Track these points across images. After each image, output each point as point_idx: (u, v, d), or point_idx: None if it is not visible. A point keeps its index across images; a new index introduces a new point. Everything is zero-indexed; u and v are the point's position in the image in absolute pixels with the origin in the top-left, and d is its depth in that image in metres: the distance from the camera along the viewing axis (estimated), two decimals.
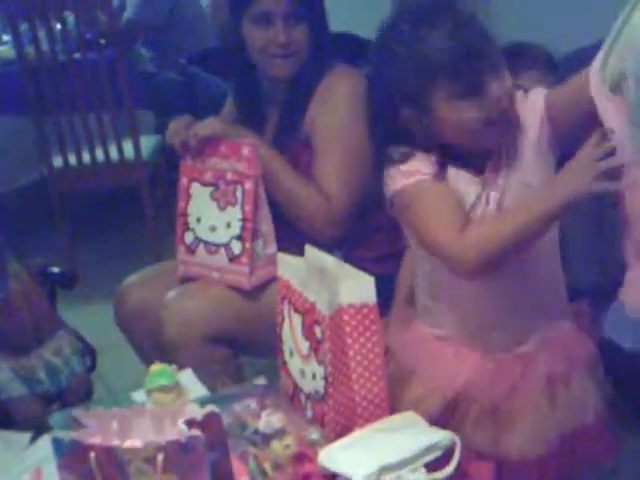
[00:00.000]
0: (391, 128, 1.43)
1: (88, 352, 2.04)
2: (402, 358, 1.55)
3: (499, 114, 1.38)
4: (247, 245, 1.84)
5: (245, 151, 1.83)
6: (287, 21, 1.88)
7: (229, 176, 1.86)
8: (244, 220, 1.84)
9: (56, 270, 2.17)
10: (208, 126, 1.88)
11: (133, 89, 3.39)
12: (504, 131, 1.40)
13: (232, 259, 1.87)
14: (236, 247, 1.86)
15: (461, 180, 1.44)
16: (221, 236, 1.88)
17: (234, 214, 1.86)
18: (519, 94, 1.42)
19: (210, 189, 1.90)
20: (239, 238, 1.85)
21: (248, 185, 1.83)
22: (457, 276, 1.43)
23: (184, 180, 1.95)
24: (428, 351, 1.55)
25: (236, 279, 1.86)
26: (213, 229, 1.89)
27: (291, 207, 1.87)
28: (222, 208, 1.88)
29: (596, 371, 1.49)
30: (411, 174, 1.43)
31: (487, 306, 1.49)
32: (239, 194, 1.85)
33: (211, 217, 1.90)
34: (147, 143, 3.52)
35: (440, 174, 1.43)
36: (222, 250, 1.88)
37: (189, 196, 1.94)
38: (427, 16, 1.39)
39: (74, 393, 1.93)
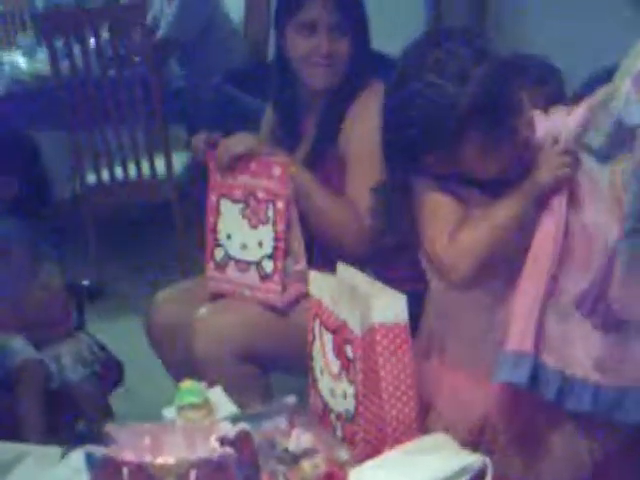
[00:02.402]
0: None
1: (112, 368, 2.07)
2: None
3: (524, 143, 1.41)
4: (279, 264, 1.84)
5: (276, 170, 1.83)
6: (331, 31, 1.89)
7: (260, 194, 1.86)
8: (276, 240, 1.84)
9: (84, 283, 2.20)
10: (241, 143, 1.88)
11: (165, 106, 3.41)
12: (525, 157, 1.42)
13: (263, 277, 1.86)
14: (268, 266, 1.86)
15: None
16: (252, 254, 1.88)
17: (266, 233, 1.86)
18: (539, 114, 1.43)
19: (240, 206, 1.90)
20: (271, 257, 1.85)
21: (280, 204, 1.83)
22: (453, 286, 1.45)
23: (213, 196, 1.94)
24: (444, 385, 1.54)
25: (268, 297, 1.86)
26: (244, 247, 1.89)
27: (323, 225, 1.87)
28: (253, 226, 1.88)
29: None
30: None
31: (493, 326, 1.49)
32: (270, 213, 1.85)
33: (242, 235, 1.90)
34: (179, 159, 3.55)
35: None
36: (253, 268, 1.88)
37: (219, 212, 1.93)
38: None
39: (69, 402, 1.96)
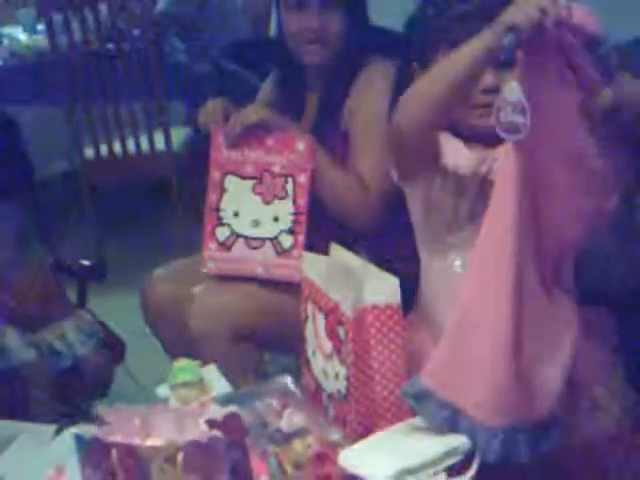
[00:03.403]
0: None
1: (114, 344, 2.07)
2: None
3: None
4: (300, 239, 1.82)
5: (300, 145, 1.81)
6: (323, 7, 1.87)
7: (277, 169, 1.84)
8: (297, 214, 1.82)
9: (86, 263, 2.19)
10: (254, 114, 1.85)
11: (165, 80, 3.40)
12: None
13: (280, 253, 1.85)
14: (286, 241, 1.84)
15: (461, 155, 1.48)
16: (267, 230, 1.86)
17: (284, 207, 1.84)
18: None
19: (251, 182, 1.87)
20: (290, 232, 1.83)
21: (302, 178, 1.81)
22: (403, 135, 1.45)
23: (216, 173, 1.91)
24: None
25: (286, 272, 1.83)
26: (256, 223, 1.87)
27: (331, 198, 1.85)
28: (268, 202, 1.85)
29: (613, 379, 1.47)
30: None
31: None
32: (290, 187, 1.83)
33: (254, 211, 1.87)
34: (178, 134, 3.54)
35: None
36: (268, 244, 1.86)
37: (223, 190, 1.90)
38: None
39: (80, 379, 1.96)
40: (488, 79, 1.44)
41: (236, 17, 4.13)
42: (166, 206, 3.44)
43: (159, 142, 3.40)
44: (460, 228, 1.50)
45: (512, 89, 1.25)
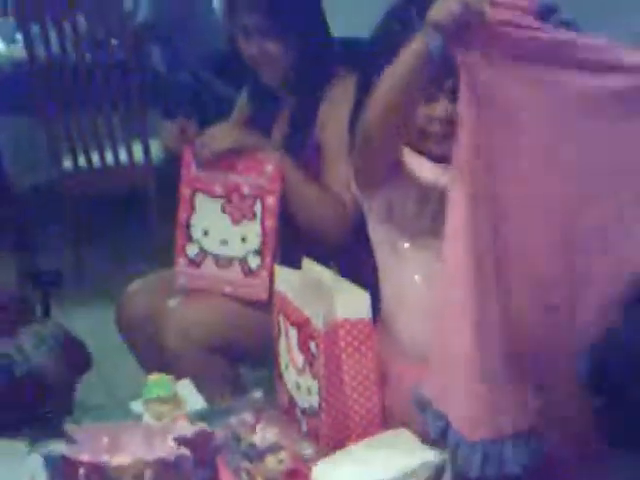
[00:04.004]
0: None
1: (78, 354, 2.05)
2: None
3: None
4: (267, 260, 1.82)
5: (269, 167, 1.81)
6: (261, 34, 1.88)
7: (245, 190, 1.84)
8: (264, 235, 1.82)
9: (44, 269, 2.19)
10: (225, 138, 1.85)
11: (144, 91, 3.38)
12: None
13: (247, 273, 1.84)
14: (253, 261, 1.84)
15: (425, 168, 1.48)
16: (235, 250, 1.86)
17: (252, 228, 1.84)
18: None
19: (220, 201, 1.87)
20: (257, 253, 1.83)
21: (270, 200, 1.81)
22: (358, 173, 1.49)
23: (187, 190, 1.91)
24: (390, 374, 1.51)
25: (252, 292, 1.84)
26: (224, 242, 1.87)
27: (306, 215, 1.85)
28: (236, 222, 1.85)
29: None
30: None
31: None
32: (258, 209, 1.83)
33: (222, 230, 1.87)
34: (157, 146, 3.52)
35: None
36: (236, 263, 1.86)
37: (192, 207, 1.90)
38: None
39: (37, 387, 1.94)
40: (441, 108, 1.44)
41: (215, 29, 4.13)
42: (144, 218, 3.43)
43: (137, 153, 3.38)
44: (420, 239, 1.50)
45: None
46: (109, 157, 3.39)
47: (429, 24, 1.21)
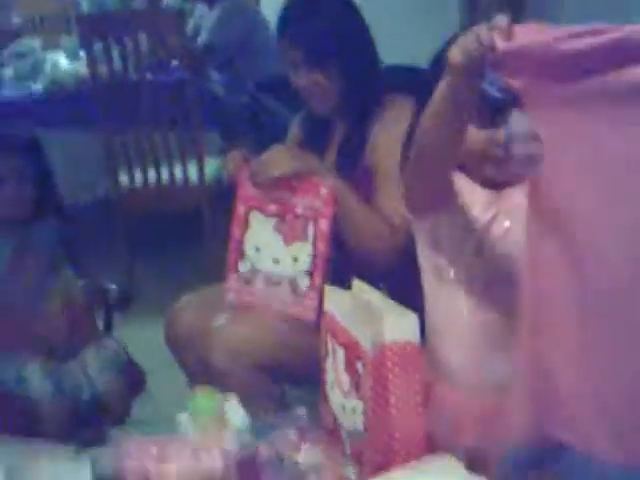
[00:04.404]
0: None
1: (135, 375, 2.08)
2: None
3: None
4: (317, 281, 1.82)
5: (323, 191, 1.82)
6: (308, 67, 1.92)
7: (299, 210, 1.85)
8: (315, 257, 1.83)
9: (113, 288, 2.21)
10: (281, 164, 1.86)
11: (201, 111, 3.43)
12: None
13: (297, 293, 1.85)
14: (303, 282, 1.84)
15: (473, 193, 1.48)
16: (286, 269, 1.87)
17: (303, 249, 1.84)
18: None
19: (274, 220, 1.88)
20: (307, 273, 1.84)
21: (323, 224, 1.82)
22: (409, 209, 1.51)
23: (241, 208, 1.93)
24: (432, 399, 1.49)
25: (301, 312, 1.84)
26: (276, 261, 1.88)
27: (357, 237, 1.86)
28: (288, 242, 1.87)
29: None
30: None
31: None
32: (310, 230, 1.83)
33: (274, 249, 1.88)
34: (212, 166, 3.57)
35: None
36: (286, 283, 1.87)
37: (247, 225, 1.92)
38: None
39: (98, 410, 1.97)
40: (500, 134, 1.43)
41: (274, 53, 4.18)
42: (198, 236, 3.46)
43: (192, 173, 3.43)
44: (466, 266, 1.50)
45: (516, 120, 1.22)
46: (165, 175, 3.44)
47: (449, 69, 1.22)
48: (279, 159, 1.88)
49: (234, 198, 1.96)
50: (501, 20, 1.16)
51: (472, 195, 1.50)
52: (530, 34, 1.15)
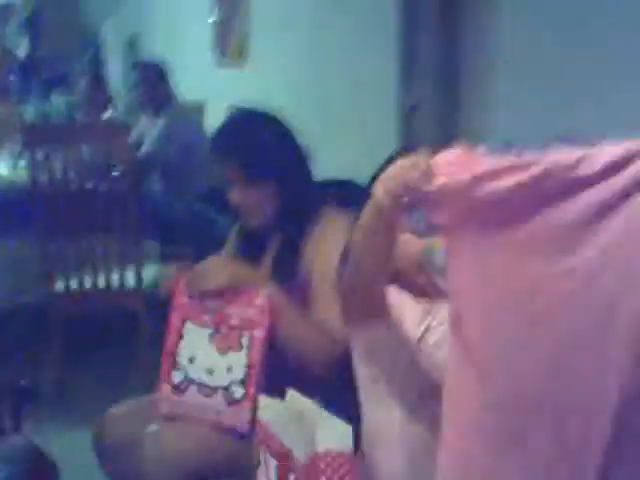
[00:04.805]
0: None
1: (46, 472, 2.02)
2: None
3: None
4: (251, 391, 1.82)
5: (258, 301, 1.84)
6: (240, 184, 1.97)
7: (234, 321, 1.86)
8: (250, 366, 1.83)
9: (21, 383, 2.18)
10: (218, 275, 1.87)
11: (141, 219, 3.45)
12: None
13: (231, 403, 1.84)
14: (237, 391, 1.83)
15: (406, 305, 1.52)
16: (220, 379, 1.86)
17: (238, 359, 1.84)
18: None
19: (209, 331, 1.88)
20: (241, 383, 1.83)
21: (258, 333, 1.83)
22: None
23: (176, 318, 1.92)
24: None
25: (235, 422, 1.82)
26: (210, 371, 1.87)
27: (294, 347, 1.87)
28: (223, 352, 1.86)
29: None
30: None
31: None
32: (245, 341, 1.84)
33: (208, 359, 1.87)
34: (150, 271, 3.57)
35: None
36: (220, 393, 1.85)
37: (180, 335, 1.92)
38: None
39: None
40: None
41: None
42: (133, 341, 3.43)
43: (130, 278, 3.42)
44: (400, 377, 1.51)
45: (438, 257, 1.27)
46: (101, 280, 3.42)
47: (373, 202, 1.27)
48: (214, 270, 1.89)
49: (169, 308, 1.95)
50: (424, 159, 1.21)
51: (406, 308, 1.53)
52: (453, 167, 1.19)
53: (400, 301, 1.53)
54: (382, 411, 1.55)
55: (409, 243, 1.48)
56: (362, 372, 1.59)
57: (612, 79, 2.48)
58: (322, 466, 1.38)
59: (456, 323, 1.25)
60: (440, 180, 1.19)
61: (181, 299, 1.93)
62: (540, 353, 1.21)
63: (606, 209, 1.18)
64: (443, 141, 3.20)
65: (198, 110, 4.94)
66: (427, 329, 1.51)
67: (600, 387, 1.20)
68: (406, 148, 1.64)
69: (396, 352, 1.52)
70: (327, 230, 1.93)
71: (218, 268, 1.90)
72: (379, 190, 1.26)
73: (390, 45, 3.44)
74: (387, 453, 1.53)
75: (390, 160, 1.60)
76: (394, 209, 1.25)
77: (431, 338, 1.50)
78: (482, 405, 1.23)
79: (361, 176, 1.83)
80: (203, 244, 3.06)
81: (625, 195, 1.18)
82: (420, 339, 1.50)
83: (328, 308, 1.83)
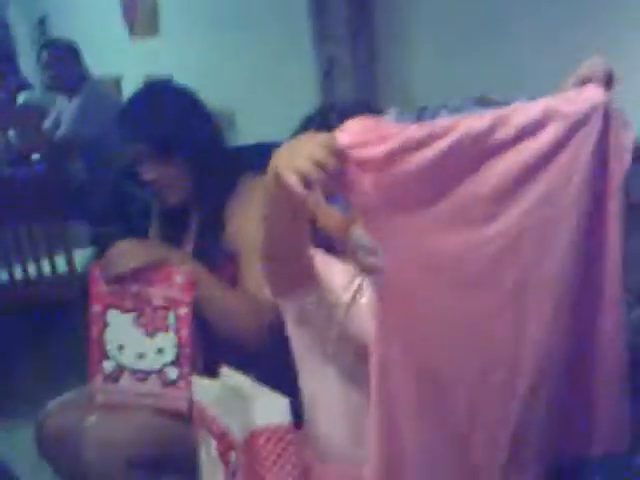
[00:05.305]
0: None
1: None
2: None
3: None
4: (185, 370, 1.80)
5: (179, 278, 1.81)
6: (151, 160, 1.92)
7: (157, 302, 1.83)
8: (180, 346, 1.81)
9: None
10: (132, 257, 1.83)
11: (66, 202, 3.38)
12: None
13: (167, 384, 1.82)
14: (172, 372, 1.82)
15: (334, 270, 1.49)
16: (151, 362, 1.84)
17: (167, 340, 1.82)
18: None
19: (132, 315, 1.86)
20: (174, 363, 1.82)
21: (183, 311, 1.81)
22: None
23: (97, 307, 1.88)
24: None
25: (173, 404, 1.81)
26: (141, 356, 1.85)
27: (223, 322, 1.85)
28: (151, 334, 1.84)
29: None
30: None
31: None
32: (171, 320, 1.82)
33: (137, 344, 1.85)
34: (82, 255, 3.51)
35: None
36: (154, 376, 1.84)
37: (105, 323, 1.88)
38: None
39: None
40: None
41: None
42: (69, 329, 3.37)
43: (61, 264, 3.35)
44: (334, 343, 1.51)
45: (358, 234, 1.24)
46: (32, 269, 3.35)
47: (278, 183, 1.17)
48: (126, 253, 1.84)
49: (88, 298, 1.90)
50: (330, 136, 1.14)
51: (335, 272, 1.52)
52: (363, 139, 1.13)
53: (328, 265, 1.52)
54: (318, 380, 1.54)
55: (329, 214, 1.46)
56: (296, 342, 1.59)
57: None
58: (262, 441, 1.38)
59: (379, 295, 1.24)
60: (351, 157, 1.13)
61: (99, 287, 1.88)
62: (460, 322, 1.22)
63: (525, 173, 1.18)
64: (362, 97, 3.21)
65: (115, 84, 4.86)
66: (358, 290, 1.51)
67: (520, 349, 1.22)
68: (325, 107, 1.62)
69: (328, 319, 1.51)
70: (248, 199, 1.90)
71: (129, 250, 1.85)
72: (287, 172, 1.14)
73: (304, 5, 3.42)
74: (327, 422, 1.53)
75: (308, 120, 1.59)
76: (297, 190, 1.13)
77: (362, 299, 1.50)
78: (405, 373, 1.24)
79: (284, 139, 1.82)
80: (133, 222, 3.03)
81: (544, 158, 1.19)
82: (351, 302, 1.50)
83: (255, 279, 1.81)
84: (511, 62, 2.64)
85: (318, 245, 1.52)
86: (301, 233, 1.35)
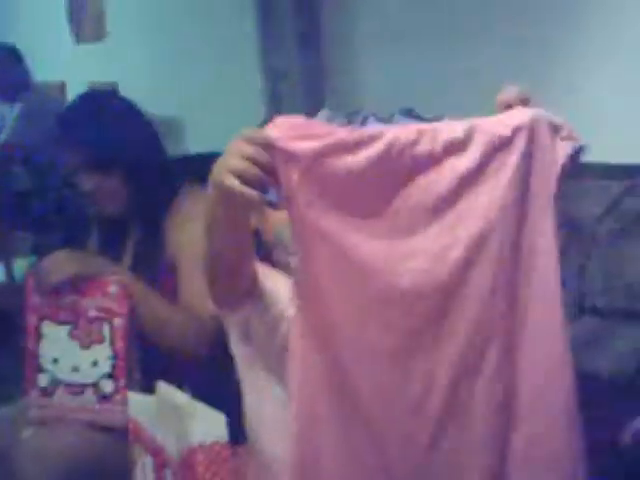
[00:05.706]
0: None
1: None
2: None
3: None
4: (121, 383, 1.78)
5: (112, 289, 1.79)
6: (90, 170, 1.89)
7: (91, 313, 1.80)
8: (116, 358, 1.78)
9: None
10: (65, 268, 1.81)
11: (7, 209, 3.32)
12: None
13: (102, 398, 1.80)
14: (107, 385, 1.79)
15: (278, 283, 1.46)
16: (87, 375, 1.81)
17: (101, 352, 1.80)
18: None
19: (67, 327, 1.83)
20: (110, 376, 1.79)
21: (118, 322, 1.78)
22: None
23: (32, 319, 1.85)
24: None
25: (109, 418, 1.78)
26: (76, 369, 1.82)
27: (164, 335, 1.82)
28: (85, 347, 1.81)
29: None
30: None
31: None
32: (106, 332, 1.79)
33: (72, 357, 1.82)
34: (23, 264, 3.44)
35: None
36: (89, 390, 1.81)
37: (40, 336, 1.85)
38: None
39: None
40: None
41: None
42: (7, 340, 3.30)
43: (0, 273, 3.29)
44: (276, 357, 1.49)
45: (279, 230, 1.21)
46: None
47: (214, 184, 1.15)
48: (59, 264, 1.82)
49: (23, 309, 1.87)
50: (259, 132, 1.13)
51: (279, 286, 1.50)
52: (291, 137, 1.11)
53: (273, 278, 1.50)
54: (260, 393, 1.52)
55: (270, 215, 1.44)
56: (238, 356, 1.56)
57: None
58: (199, 458, 1.35)
59: (296, 294, 1.22)
60: (279, 150, 1.11)
61: (34, 299, 1.85)
62: (369, 340, 1.20)
63: (447, 190, 1.18)
64: (311, 107, 3.22)
65: (59, 90, 4.79)
66: None
67: (437, 365, 1.21)
68: (273, 116, 1.60)
69: (272, 331, 1.49)
70: (188, 210, 1.88)
71: (61, 261, 1.83)
72: (224, 175, 1.13)
73: (251, 10, 3.41)
74: (268, 436, 1.50)
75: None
76: (238, 189, 1.12)
77: None
78: (322, 380, 1.23)
79: None
80: (75, 232, 2.97)
81: (467, 175, 1.18)
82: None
83: (195, 292, 1.79)
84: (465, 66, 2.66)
85: (263, 259, 1.50)
86: (244, 245, 1.32)
